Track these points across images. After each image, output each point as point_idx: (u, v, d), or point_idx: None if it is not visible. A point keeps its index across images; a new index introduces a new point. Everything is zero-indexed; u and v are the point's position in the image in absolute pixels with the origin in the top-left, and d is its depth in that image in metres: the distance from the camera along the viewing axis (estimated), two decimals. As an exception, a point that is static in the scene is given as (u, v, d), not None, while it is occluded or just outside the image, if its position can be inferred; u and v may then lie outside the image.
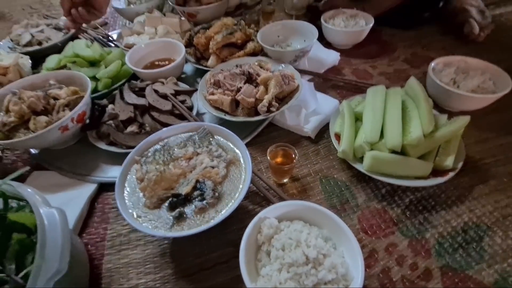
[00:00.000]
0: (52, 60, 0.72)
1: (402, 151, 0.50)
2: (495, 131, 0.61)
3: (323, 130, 0.63)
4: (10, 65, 0.72)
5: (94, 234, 0.50)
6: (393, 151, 0.49)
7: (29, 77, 0.62)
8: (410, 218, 0.48)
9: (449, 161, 0.49)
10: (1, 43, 0.91)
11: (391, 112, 0.51)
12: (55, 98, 0.56)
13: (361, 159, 0.52)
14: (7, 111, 0.55)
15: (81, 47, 0.72)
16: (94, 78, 0.68)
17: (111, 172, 0.56)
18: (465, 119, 0.50)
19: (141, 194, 0.44)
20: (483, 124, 0.61)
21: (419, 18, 0.92)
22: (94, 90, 0.67)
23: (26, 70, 0.77)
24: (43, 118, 0.53)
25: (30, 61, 0.80)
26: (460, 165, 0.50)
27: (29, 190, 0.37)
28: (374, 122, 0.51)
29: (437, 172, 0.50)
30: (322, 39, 0.87)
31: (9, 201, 0.38)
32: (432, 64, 0.65)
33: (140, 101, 0.59)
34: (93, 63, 0.72)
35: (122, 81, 0.70)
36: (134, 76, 0.73)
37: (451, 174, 0.49)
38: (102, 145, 0.57)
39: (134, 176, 0.46)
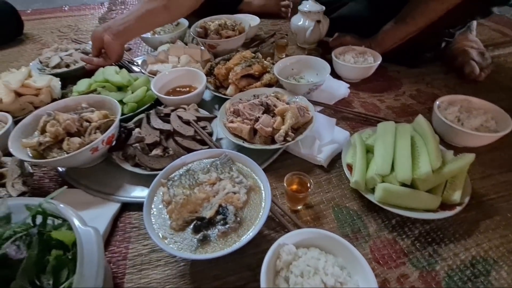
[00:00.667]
0: (82, 84, 0.77)
1: (412, 184, 0.53)
2: (498, 167, 0.64)
3: (335, 160, 0.67)
4: (43, 86, 0.78)
5: (116, 252, 0.52)
6: (403, 184, 0.52)
7: (64, 100, 0.67)
8: (420, 250, 0.51)
9: (456, 196, 0.52)
10: (31, 64, 0.98)
11: (401, 147, 0.55)
12: (88, 121, 0.61)
13: (372, 190, 0.55)
14: (43, 131, 0.59)
15: (111, 73, 0.77)
16: (120, 102, 0.73)
17: (134, 193, 0.59)
18: (471, 157, 0.53)
19: (166, 216, 0.47)
20: (487, 160, 0.65)
21: (422, 58, 0.98)
22: (121, 113, 0.71)
23: (56, 91, 0.83)
24: (76, 140, 0.57)
25: (60, 83, 0.86)
26: (467, 199, 0.53)
27: (69, 209, 0.40)
28: (385, 155, 0.55)
29: (445, 205, 0.52)
30: (332, 72, 0.93)
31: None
32: (437, 102, 0.70)
33: (166, 126, 0.63)
34: (120, 88, 0.77)
35: (146, 106, 0.75)
36: (157, 100, 0.78)
37: (458, 209, 0.51)
38: (128, 166, 0.60)
39: (160, 198, 0.49)
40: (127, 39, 0.88)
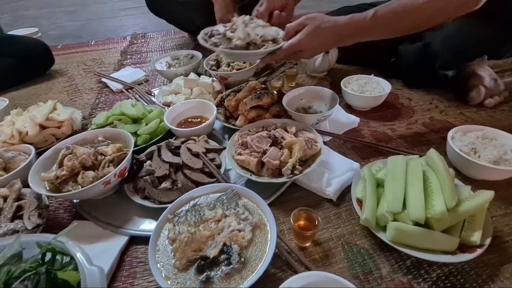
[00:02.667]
0: (101, 117, 0.82)
1: (426, 224, 0.50)
2: (522, 203, 0.60)
3: (344, 193, 0.65)
4: (65, 119, 0.83)
5: (121, 288, 0.52)
6: (417, 223, 0.50)
7: (82, 133, 0.71)
8: (439, 296, 0.47)
9: (476, 237, 0.48)
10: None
11: (413, 183, 0.53)
12: (102, 154, 0.64)
13: (384, 228, 0.53)
14: (61, 164, 0.62)
15: (127, 106, 0.82)
16: (135, 134, 0.77)
17: (143, 225, 0.60)
18: (489, 195, 0.50)
19: (171, 254, 0.47)
20: (509, 195, 0.61)
21: (437, 79, 0.96)
22: (134, 145, 0.75)
23: (77, 123, 0.88)
24: (90, 173, 0.59)
25: (81, 115, 0.92)
26: (488, 241, 0.49)
27: (76, 247, 0.41)
28: (396, 192, 0.53)
29: (464, 247, 0.49)
30: (341, 101, 0.93)
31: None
32: (451, 133, 0.68)
33: (175, 159, 0.65)
34: (136, 120, 0.81)
35: (158, 137, 0.78)
36: (169, 131, 0.80)
37: (479, 251, 0.48)
38: (137, 199, 0.61)
39: (166, 234, 0.50)
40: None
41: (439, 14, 0.66)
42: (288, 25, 0.70)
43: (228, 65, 1.03)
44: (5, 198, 0.59)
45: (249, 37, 0.67)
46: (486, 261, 0.51)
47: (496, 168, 0.59)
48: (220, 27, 0.72)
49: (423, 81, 0.99)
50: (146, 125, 0.79)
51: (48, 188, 0.60)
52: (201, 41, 0.71)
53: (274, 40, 0.70)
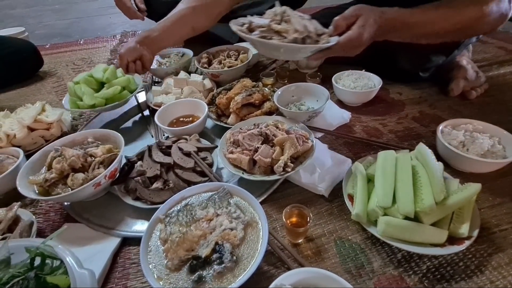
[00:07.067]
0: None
1: (416, 217, 0.51)
2: (509, 195, 0.61)
3: (336, 188, 0.65)
4: (54, 121, 0.82)
5: (114, 290, 0.52)
6: (407, 217, 0.51)
7: (71, 135, 0.70)
8: (429, 288, 0.48)
9: (464, 229, 0.49)
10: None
11: (402, 178, 0.54)
12: (92, 156, 0.63)
13: (375, 222, 0.53)
14: (50, 167, 0.61)
15: (98, 69, 0.86)
16: (93, 97, 0.83)
17: (135, 227, 0.60)
18: (477, 187, 0.51)
19: (163, 254, 0.46)
20: (496, 187, 0.62)
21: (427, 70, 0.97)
22: (92, 106, 0.82)
23: (67, 124, 0.87)
24: (80, 175, 0.58)
25: (71, 116, 0.90)
26: (476, 232, 0.50)
27: (66, 251, 0.41)
28: (386, 186, 0.54)
29: (453, 239, 0.50)
30: (333, 97, 0.93)
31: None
32: (441, 127, 0.69)
33: (166, 159, 0.64)
34: (104, 84, 0.86)
35: (115, 103, 0.83)
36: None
37: (467, 243, 0.49)
38: (129, 200, 0.61)
39: (157, 235, 0.49)
40: (161, 50, 1.01)
41: (477, 24, 0.69)
42: (336, 18, 0.64)
43: (220, 62, 1.02)
44: None
45: (306, 29, 0.60)
46: (474, 252, 0.52)
47: (484, 161, 0.60)
48: (258, 19, 0.63)
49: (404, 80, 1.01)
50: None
51: (37, 191, 0.59)
52: (244, 35, 0.61)
53: (320, 35, 0.63)
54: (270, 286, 0.42)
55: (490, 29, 0.74)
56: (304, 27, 0.60)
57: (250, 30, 0.63)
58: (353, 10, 0.64)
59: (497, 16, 0.69)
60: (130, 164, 0.66)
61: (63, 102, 0.87)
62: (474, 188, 0.51)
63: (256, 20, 0.63)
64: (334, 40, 0.62)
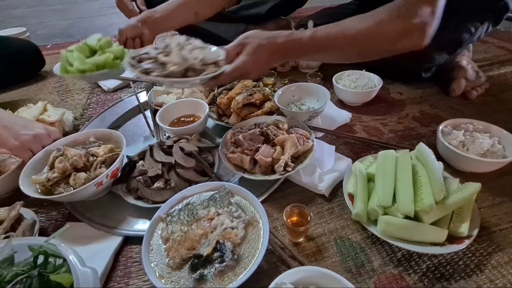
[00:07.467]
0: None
1: (416, 217, 0.51)
2: (509, 194, 0.61)
3: (337, 188, 0.66)
4: (56, 121, 0.82)
5: (116, 289, 0.52)
6: (407, 216, 0.51)
7: (73, 135, 0.70)
8: (428, 287, 0.48)
9: (463, 228, 0.49)
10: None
11: (402, 177, 0.54)
12: (94, 155, 0.63)
13: (375, 222, 0.54)
14: (52, 166, 0.62)
15: (93, 38, 0.86)
16: (84, 62, 0.81)
17: (137, 226, 0.60)
18: (476, 187, 0.51)
19: (165, 253, 0.47)
20: (496, 187, 0.62)
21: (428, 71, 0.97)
22: (82, 71, 0.79)
23: (68, 124, 0.87)
24: (82, 175, 0.59)
25: (72, 116, 0.91)
26: (475, 232, 0.50)
27: (69, 249, 0.41)
28: (386, 186, 0.54)
29: (453, 238, 0.50)
30: (333, 97, 0.94)
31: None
32: (441, 127, 0.69)
33: (168, 159, 0.65)
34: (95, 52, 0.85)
35: (106, 70, 0.81)
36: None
37: (467, 242, 0.49)
38: (130, 199, 0.61)
39: (159, 233, 0.50)
40: (162, 31, 1.02)
41: (376, 47, 0.63)
42: (226, 47, 0.66)
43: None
44: (0, 222, 0.56)
45: (186, 62, 0.60)
46: (474, 251, 0.52)
47: (484, 161, 0.61)
48: (151, 50, 0.63)
49: (405, 80, 1.01)
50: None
51: (39, 190, 0.60)
52: (128, 67, 0.62)
53: (215, 63, 0.63)
54: (271, 284, 0.42)
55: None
56: (183, 59, 0.60)
57: (140, 61, 0.63)
58: (240, 39, 0.65)
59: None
60: (131, 163, 0.67)
61: (53, 69, 0.84)
62: (474, 187, 0.51)
63: (150, 51, 0.63)
64: (223, 68, 0.63)
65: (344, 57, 0.71)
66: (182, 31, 1.22)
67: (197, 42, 0.66)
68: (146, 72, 0.60)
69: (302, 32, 0.64)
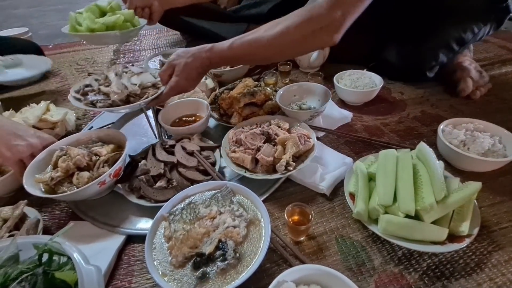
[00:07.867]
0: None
1: (416, 216, 0.51)
2: (509, 193, 0.61)
3: (338, 187, 0.66)
4: (59, 120, 0.83)
5: (119, 287, 0.53)
6: (408, 215, 0.51)
7: (76, 134, 0.71)
8: (429, 285, 0.48)
9: (464, 227, 0.50)
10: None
11: (403, 177, 0.54)
12: (97, 155, 0.64)
13: (376, 221, 0.54)
14: (55, 166, 0.62)
15: (103, 1, 0.89)
16: (93, 22, 0.86)
17: (139, 224, 0.60)
18: (477, 186, 0.52)
19: (167, 251, 0.47)
20: (496, 186, 0.62)
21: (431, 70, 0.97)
22: (92, 30, 0.84)
23: (71, 124, 0.88)
24: (85, 174, 0.59)
25: (75, 115, 0.91)
26: (476, 231, 0.51)
27: (73, 247, 0.42)
28: (387, 185, 0.54)
29: (453, 237, 0.50)
30: (334, 96, 0.94)
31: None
32: (441, 126, 0.69)
33: (170, 158, 0.65)
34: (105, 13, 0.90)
35: (115, 31, 0.85)
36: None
37: (467, 241, 0.49)
38: (133, 198, 0.62)
39: (162, 232, 0.50)
40: (171, 6, 1.07)
41: (287, 50, 0.67)
42: (159, 72, 0.74)
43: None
44: (5, 220, 0.56)
45: (126, 89, 0.67)
46: (474, 250, 0.52)
47: (485, 160, 0.61)
48: (92, 82, 0.70)
49: (410, 80, 1.02)
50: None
51: (43, 189, 0.60)
52: (74, 102, 0.67)
53: (154, 84, 0.73)
54: (273, 282, 0.42)
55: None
56: (124, 87, 0.68)
57: (84, 94, 0.70)
58: (168, 62, 0.72)
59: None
60: (134, 163, 0.67)
61: (62, 29, 0.86)
62: (474, 186, 0.52)
63: (92, 83, 0.72)
64: (161, 90, 0.72)
65: (262, 60, 0.83)
66: (189, 13, 1.25)
67: (134, 68, 0.75)
68: (93, 104, 0.67)
69: (222, 44, 0.69)
